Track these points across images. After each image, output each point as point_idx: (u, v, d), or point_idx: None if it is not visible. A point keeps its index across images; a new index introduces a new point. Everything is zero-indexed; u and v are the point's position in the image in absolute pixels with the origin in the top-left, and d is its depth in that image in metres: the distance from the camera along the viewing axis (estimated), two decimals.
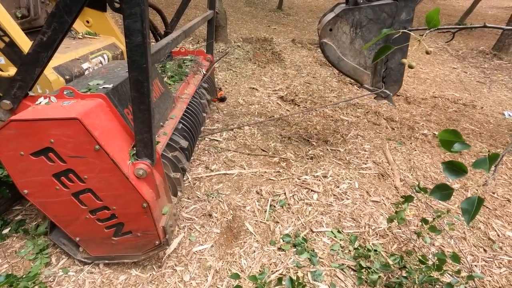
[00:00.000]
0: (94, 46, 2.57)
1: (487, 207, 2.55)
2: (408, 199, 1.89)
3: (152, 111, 1.34)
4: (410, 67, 0.78)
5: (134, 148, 1.44)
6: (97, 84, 1.59)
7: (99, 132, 1.29)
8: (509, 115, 4.44)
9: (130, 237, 1.61)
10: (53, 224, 1.71)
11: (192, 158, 2.90)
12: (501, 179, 2.98)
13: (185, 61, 3.17)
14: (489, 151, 0.60)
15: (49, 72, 1.91)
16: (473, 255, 2.07)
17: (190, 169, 2.77)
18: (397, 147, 3.38)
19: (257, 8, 12.09)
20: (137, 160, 1.43)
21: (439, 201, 2.53)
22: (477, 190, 2.75)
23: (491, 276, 1.93)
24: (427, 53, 0.79)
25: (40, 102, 1.39)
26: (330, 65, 2.61)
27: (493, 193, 2.74)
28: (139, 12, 1.11)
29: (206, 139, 3.28)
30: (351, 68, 2.25)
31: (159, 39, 3.36)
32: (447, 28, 0.80)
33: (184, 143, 2.05)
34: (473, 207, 0.63)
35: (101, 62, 2.52)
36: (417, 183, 2.36)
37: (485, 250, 2.11)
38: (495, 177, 2.92)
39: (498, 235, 2.26)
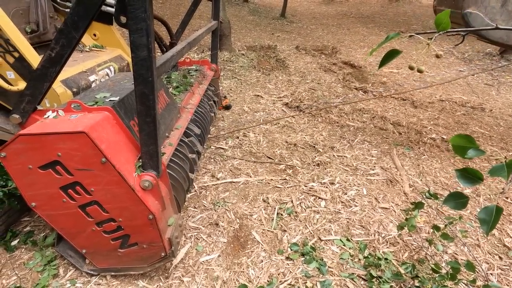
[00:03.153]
0: (101, 58, 2.63)
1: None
2: (418, 205, 1.85)
3: (157, 123, 1.34)
4: (419, 71, 0.77)
5: (140, 160, 1.45)
6: (104, 97, 1.61)
7: (105, 145, 1.30)
8: None
9: (136, 249, 1.60)
10: (59, 236, 1.72)
11: (198, 167, 2.91)
12: None
13: (190, 71, 3.21)
14: (505, 158, 0.58)
15: (57, 85, 1.95)
16: (488, 263, 2.00)
17: (196, 178, 2.77)
18: (405, 152, 3.33)
19: (260, 17, 12.23)
20: (143, 172, 1.44)
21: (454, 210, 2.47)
22: (490, 196, 2.67)
23: (508, 285, 1.86)
24: (437, 56, 0.77)
25: (48, 116, 1.41)
26: (476, 36, 2.30)
27: (507, 198, 2.67)
28: (144, 28, 1.13)
29: (212, 147, 3.28)
30: (503, 34, 2.08)
31: (165, 50, 3.41)
32: (456, 31, 0.78)
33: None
34: (491, 217, 0.61)
35: (107, 74, 2.56)
36: (427, 189, 2.32)
37: (500, 258, 2.04)
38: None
39: None
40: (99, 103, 1.52)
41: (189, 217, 2.32)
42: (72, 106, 1.44)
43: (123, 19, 1.28)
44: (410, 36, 0.82)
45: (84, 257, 1.76)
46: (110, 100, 1.57)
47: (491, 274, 1.92)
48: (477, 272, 1.92)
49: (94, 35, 2.95)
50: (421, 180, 2.88)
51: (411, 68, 0.76)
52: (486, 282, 1.78)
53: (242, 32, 9.33)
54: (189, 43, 2.06)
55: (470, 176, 0.62)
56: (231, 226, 2.24)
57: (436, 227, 1.88)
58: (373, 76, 5.92)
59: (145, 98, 1.27)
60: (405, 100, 4.86)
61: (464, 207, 0.71)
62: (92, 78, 2.37)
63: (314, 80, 5.53)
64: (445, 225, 2.00)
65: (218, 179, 2.77)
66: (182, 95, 2.58)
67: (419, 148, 3.45)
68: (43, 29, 2.48)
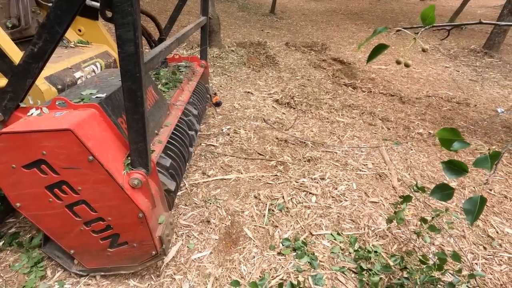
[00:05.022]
0: (86, 54, 2.56)
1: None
2: (406, 199, 1.88)
3: (146, 120, 1.32)
4: (406, 65, 0.77)
5: (129, 158, 1.42)
6: (90, 93, 1.57)
7: (92, 143, 1.27)
8: (502, 111, 4.49)
9: (126, 248, 1.58)
10: (46, 236, 1.68)
11: (188, 164, 2.89)
12: (498, 175, 3.00)
13: (179, 68, 3.17)
14: (489, 149, 0.59)
15: (41, 82, 1.89)
16: (473, 253, 2.07)
17: (187, 175, 2.75)
18: (393, 147, 3.39)
19: (250, 13, 12.15)
20: (132, 169, 1.41)
21: (438, 200, 2.53)
22: (474, 188, 2.76)
23: (492, 274, 1.93)
24: (424, 50, 0.78)
25: (32, 114, 1.37)
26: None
27: (490, 190, 2.76)
28: (131, 22, 1.10)
29: (203, 144, 3.26)
30: None
31: (154, 45, 3.35)
32: (442, 26, 0.80)
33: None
34: (475, 207, 0.62)
35: (94, 71, 2.50)
36: (415, 183, 2.37)
37: (485, 248, 2.11)
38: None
39: (497, 232, 2.26)
40: (85, 100, 1.49)
41: (180, 214, 2.30)
42: (57, 103, 1.39)
43: (109, 13, 1.24)
44: (398, 31, 0.83)
45: (72, 257, 1.72)
46: (96, 97, 1.53)
47: (476, 264, 1.99)
48: (463, 262, 1.98)
49: (79, 30, 2.87)
50: (409, 174, 2.94)
51: (398, 62, 0.77)
52: (471, 272, 1.84)
53: (232, 28, 9.26)
54: (178, 39, 2.03)
55: (456, 168, 0.63)
56: (222, 223, 2.24)
57: (423, 220, 1.93)
58: (362, 73, 5.98)
59: (133, 95, 1.24)
60: (393, 96, 4.94)
61: (450, 198, 0.73)
62: (77, 74, 2.30)
63: (304, 77, 5.55)
64: (432, 218, 2.05)
65: (209, 176, 2.75)
66: (171, 91, 2.55)
67: (407, 143, 3.52)
68: (24, 24, 2.39)
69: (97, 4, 2.59)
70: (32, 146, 1.25)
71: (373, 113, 4.21)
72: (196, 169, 2.85)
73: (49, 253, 1.72)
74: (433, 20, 0.65)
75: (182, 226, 2.20)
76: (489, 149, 0.64)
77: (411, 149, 3.38)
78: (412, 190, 1.95)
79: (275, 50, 7.27)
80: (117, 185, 1.35)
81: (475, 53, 7.62)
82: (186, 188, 2.58)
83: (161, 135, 1.91)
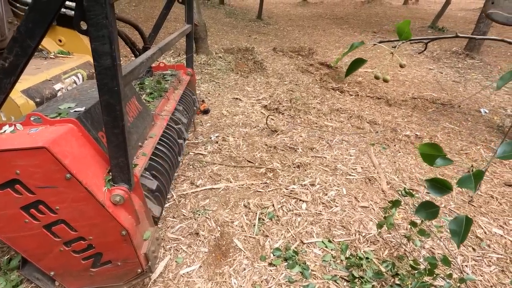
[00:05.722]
0: (67, 65, 2.49)
1: (472, 205, 2.59)
2: (395, 203, 1.88)
3: (126, 134, 1.27)
4: (385, 80, 0.76)
5: (110, 174, 1.37)
6: (68, 107, 1.51)
7: (70, 160, 1.22)
8: (485, 112, 4.60)
9: (110, 267, 1.51)
10: (25, 258, 1.59)
11: (176, 174, 2.83)
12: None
13: (165, 76, 3.12)
14: (472, 167, 0.58)
15: (17, 96, 1.82)
16: (463, 255, 2.08)
17: (175, 186, 2.69)
18: (382, 150, 3.42)
19: (237, 19, 12.20)
20: (114, 185, 1.36)
21: None
22: (462, 191, 2.79)
23: (482, 276, 1.94)
24: (401, 66, 0.78)
25: (4, 131, 1.30)
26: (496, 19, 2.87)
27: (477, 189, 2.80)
28: (106, 35, 1.06)
29: (191, 153, 3.21)
30: (504, 18, 2.69)
31: (138, 54, 3.30)
32: (419, 39, 0.79)
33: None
34: (461, 228, 0.61)
35: (75, 82, 2.43)
36: (404, 187, 2.38)
37: (474, 249, 2.13)
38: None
39: (485, 233, 2.29)
40: (63, 115, 1.43)
41: (168, 227, 2.24)
42: (32, 119, 1.33)
43: (84, 26, 1.20)
44: (374, 44, 0.82)
45: (53, 279, 1.64)
46: (75, 111, 1.47)
47: (466, 266, 2.00)
48: (453, 265, 1.98)
49: (60, 40, 2.80)
50: (397, 177, 2.96)
51: (376, 77, 0.76)
52: (462, 275, 1.84)
53: (219, 34, 9.26)
54: (161, 48, 1.99)
55: (440, 186, 0.62)
56: (212, 235, 2.19)
57: (413, 223, 1.93)
58: (349, 76, 6.05)
59: (111, 109, 1.20)
60: (380, 99, 5.00)
61: (435, 217, 0.71)
62: (57, 86, 2.23)
63: (292, 82, 5.57)
64: (422, 221, 2.05)
65: (197, 186, 2.70)
66: (156, 101, 2.49)
67: (394, 145, 3.55)
68: (0, 36, 2.31)
69: (72, 13, 2.53)
70: (5, 165, 1.19)
71: (361, 117, 4.24)
72: (184, 179, 2.79)
73: (28, 275, 1.63)
74: (409, 35, 0.64)
75: (170, 239, 2.13)
76: (472, 167, 0.63)
77: (399, 152, 3.42)
78: (401, 194, 1.96)
79: (263, 55, 7.30)
80: (97, 203, 1.30)
81: (457, 55, 7.83)
82: (174, 200, 2.52)
83: (145, 147, 1.86)
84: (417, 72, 6.62)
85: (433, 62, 7.42)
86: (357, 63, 0.71)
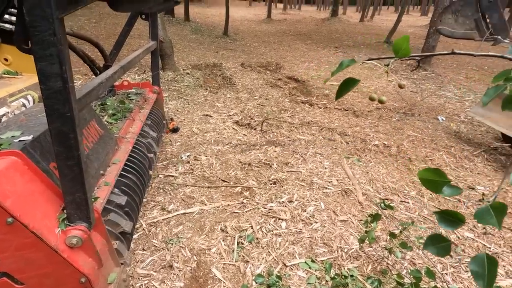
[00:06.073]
0: (14, 87, 2.22)
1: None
2: (376, 217, 1.86)
3: (83, 164, 1.11)
4: (381, 102, 0.72)
5: (65, 211, 1.18)
6: (12, 136, 1.31)
7: (12, 201, 1.02)
8: (442, 119, 4.93)
9: None
10: None
11: (145, 199, 2.61)
12: None
13: (129, 95, 2.93)
14: (483, 195, 0.53)
15: None
16: (441, 263, 2.10)
17: (144, 213, 2.47)
18: (354, 161, 3.47)
19: (203, 35, 12.22)
20: (69, 225, 1.17)
21: (404, 213, 2.59)
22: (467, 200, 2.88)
23: (461, 282, 1.97)
24: (400, 87, 0.73)
25: None
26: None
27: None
28: (55, 53, 0.92)
29: (160, 176, 3.00)
30: (461, 34, 3.08)
31: (98, 73, 3.08)
32: (413, 56, 0.76)
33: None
34: (484, 269, 0.55)
35: (24, 105, 2.17)
36: (382, 200, 2.40)
37: (451, 256, 2.17)
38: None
39: (458, 237, 2.35)
40: (4, 146, 1.22)
41: (137, 262, 2.02)
42: None
43: (27, 44, 1.04)
44: (363, 63, 0.78)
45: None
46: (20, 141, 1.27)
47: (446, 274, 2.02)
48: (437, 275, 1.99)
49: (6, 59, 2.52)
50: (372, 187, 2.99)
51: (372, 99, 0.71)
52: (445, 284, 1.85)
53: (186, 51, 9.15)
54: (123, 66, 1.84)
55: (451, 218, 0.56)
56: (187, 266, 2.00)
57: (392, 235, 1.93)
58: (317, 89, 6.22)
59: (64, 138, 1.03)
60: (347, 110, 5.16)
61: (448, 253, 0.65)
62: (2, 111, 1.97)
63: (262, 96, 5.59)
64: (400, 231, 2.05)
65: (169, 211, 2.50)
66: (120, 123, 2.30)
67: (365, 155, 3.63)
68: None
69: (10, 27, 2.28)
70: None
71: (332, 129, 4.32)
72: (154, 205, 2.58)
73: None
74: (408, 52, 0.60)
75: (140, 276, 1.91)
76: (483, 195, 0.59)
77: (371, 161, 3.49)
78: (380, 207, 1.95)
79: (231, 71, 7.30)
80: (49, 248, 1.10)
81: (412, 67, 8.45)
82: (144, 229, 2.30)
83: (108, 176, 1.67)
84: (379, 84, 7.00)
85: (391, 74, 7.92)
86: (349, 84, 0.66)
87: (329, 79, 0.73)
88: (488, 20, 3.03)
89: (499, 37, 3.33)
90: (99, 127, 1.84)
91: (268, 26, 17.18)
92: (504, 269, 2.06)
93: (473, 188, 3.02)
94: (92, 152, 1.63)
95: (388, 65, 0.68)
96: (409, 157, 3.62)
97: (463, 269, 2.05)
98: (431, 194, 2.89)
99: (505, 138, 4.09)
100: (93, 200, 1.34)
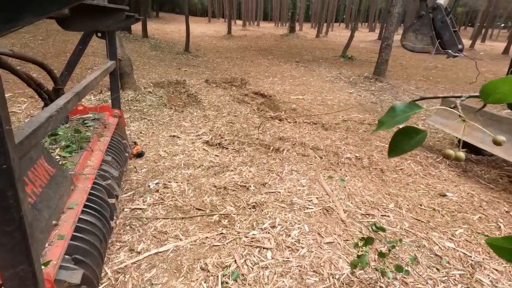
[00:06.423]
0: None
1: (421, 221, 2.71)
2: (368, 241, 1.78)
3: (28, 226, 0.85)
4: (459, 159, 0.57)
5: None
6: None
7: None
8: None
9: None
10: None
11: (109, 241, 2.26)
12: (420, 189, 3.30)
13: (85, 122, 2.59)
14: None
15: None
16: (431, 279, 2.08)
17: (108, 258, 2.13)
18: (331, 175, 3.44)
19: (164, 52, 11.88)
20: None
21: (388, 228, 2.56)
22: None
23: None
24: (498, 143, 0.59)
25: None
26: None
27: (420, 205, 2.98)
28: None
29: (126, 210, 2.67)
30: (420, 48, 3.65)
31: (47, 97, 2.69)
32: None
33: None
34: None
35: None
36: (373, 222, 2.35)
37: (438, 269, 2.16)
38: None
39: (441, 248, 2.38)
40: None
41: None
42: None
43: None
44: (422, 99, 0.67)
45: None
46: None
47: None
48: None
49: None
50: (351, 203, 2.96)
51: (448, 156, 0.58)
52: None
53: (146, 68, 8.76)
54: (77, 93, 1.58)
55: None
56: None
57: (381, 254, 1.87)
58: (284, 104, 6.26)
59: (0, 197, 0.78)
60: (316, 124, 5.22)
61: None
62: None
63: (231, 113, 5.45)
64: (389, 250, 2.00)
65: (138, 253, 2.19)
66: (75, 156, 1.99)
67: (340, 169, 3.64)
68: None
69: None
70: None
71: (304, 143, 4.30)
72: (120, 247, 2.25)
73: None
74: (510, 98, 0.47)
75: None
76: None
77: (346, 175, 3.49)
78: (371, 230, 1.87)
79: (196, 87, 7.09)
80: None
81: (369, 79, 8.99)
82: (109, 278, 1.97)
83: (63, 226, 1.37)
84: (341, 96, 7.28)
85: (351, 87, 8.32)
86: (409, 134, 0.52)
87: (376, 130, 0.60)
88: (442, 37, 3.43)
89: (450, 51, 3.70)
90: (49, 166, 1.54)
91: (229, 42, 17.34)
92: (489, 278, 2.10)
93: (444, 195, 3.14)
94: (40, 199, 1.33)
95: (455, 106, 0.59)
96: (381, 168, 3.70)
97: (452, 283, 2.04)
98: (408, 205, 2.94)
99: (463, 144, 4.42)
100: (42, 267, 1.06)
